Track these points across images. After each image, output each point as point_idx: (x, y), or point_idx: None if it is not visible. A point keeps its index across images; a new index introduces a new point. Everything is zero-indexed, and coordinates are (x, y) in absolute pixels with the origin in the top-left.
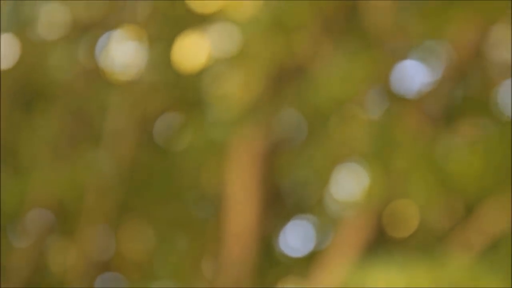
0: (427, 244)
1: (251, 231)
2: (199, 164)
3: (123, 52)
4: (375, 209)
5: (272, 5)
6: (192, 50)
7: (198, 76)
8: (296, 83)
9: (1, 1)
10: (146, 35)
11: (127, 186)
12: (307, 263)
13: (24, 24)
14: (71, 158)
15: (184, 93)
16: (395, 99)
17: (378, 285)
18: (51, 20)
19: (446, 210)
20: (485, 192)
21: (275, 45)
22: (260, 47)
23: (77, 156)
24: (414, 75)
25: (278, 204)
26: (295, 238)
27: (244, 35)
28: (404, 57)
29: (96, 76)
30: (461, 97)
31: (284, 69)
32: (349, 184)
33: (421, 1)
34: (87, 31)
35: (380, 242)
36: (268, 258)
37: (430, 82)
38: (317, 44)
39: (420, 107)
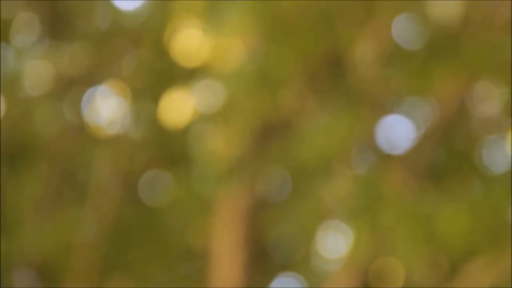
0: None
1: None
2: (184, 220)
3: (108, 107)
4: (361, 266)
5: (256, 60)
6: (177, 105)
7: (183, 132)
8: (281, 138)
9: None
10: (131, 90)
11: (111, 244)
12: None
13: (9, 80)
14: (55, 215)
15: (169, 148)
16: (380, 155)
17: None
18: (36, 75)
19: (432, 267)
20: (471, 250)
21: (260, 101)
22: (245, 103)
23: (61, 213)
24: (399, 130)
25: (264, 261)
26: None
27: (229, 90)
28: (389, 112)
29: (81, 132)
30: (446, 153)
31: (269, 125)
32: (335, 241)
33: (405, 57)
34: (72, 86)
35: None
36: None
37: (415, 137)
38: (302, 99)
39: (406, 163)
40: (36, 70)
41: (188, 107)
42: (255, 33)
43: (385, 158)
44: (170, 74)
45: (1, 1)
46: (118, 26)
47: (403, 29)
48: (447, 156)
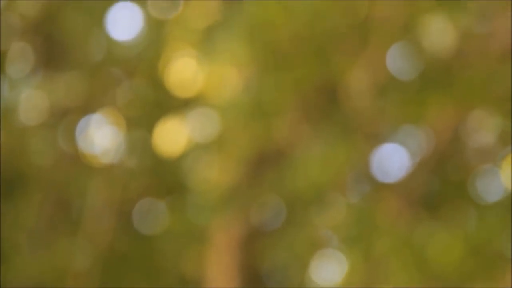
0: None
1: None
2: (178, 248)
3: (103, 136)
4: None
5: (251, 89)
6: (172, 134)
7: (177, 161)
8: (276, 167)
9: None
10: (126, 119)
11: (106, 272)
12: None
13: (5, 110)
14: (50, 243)
15: (164, 177)
16: (374, 184)
17: None
18: (31, 105)
19: None
20: (465, 278)
21: (255, 130)
22: (239, 132)
23: (56, 241)
24: (393, 159)
25: None
26: None
27: (224, 120)
28: (383, 141)
29: (76, 161)
30: (440, 182)
31: (263, 154)
32: (329, 269)
33: (399, 87)
34: (67, 115)
35: None
36: None
37: (410, 166)
38: (296, 128)
39: (400, 191)
40: (31, 100)
41: (182, 136)
42: (250, 63)
43: (379, 187)
44: (164, 103)
45: None
46: (113, 56)
47: (397, 59)
48: (441, 185)
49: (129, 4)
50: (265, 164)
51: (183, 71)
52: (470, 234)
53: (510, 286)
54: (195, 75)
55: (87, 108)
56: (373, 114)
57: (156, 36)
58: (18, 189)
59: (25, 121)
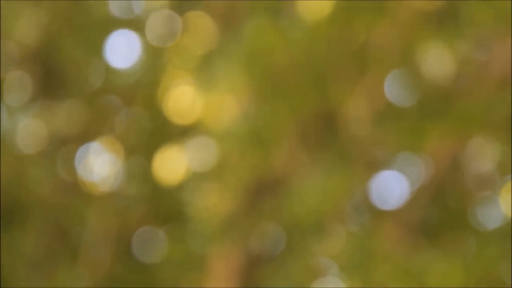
0: None
1: None
2: (178, 277)
3: (101, 164)
4: None
5: (249, 117)
6: (171, 162)
7: (176, 189)
8: (275, 195)
9: None
10: (125, 147)
11: None
12: None
13: (3, 138)
14: (49, 271)
15: (163, 205)
16: (373, 211)
17: None
18: (30, 134)
19: None
20: None
21: (253, 158)
22: (238, 160)
23: (55, 270)
24: (392, 186)
25: None
26: None
27: (222, 148)
28: (382, 168)
29: (75, 189)
30: (440, 209)
31: (262, 182)
32: None
33: (398, 114)
34: (66, 144)
35: None
36: None
37: (409, 193)
38: (294, 156)
39: (399, 219)
40: (30, 129)
41: (181, 164)
42: (248, 91)
43: (378, 215)
44: (163, 131)
45: None
46: (111, 83)
47: (395, 87)
48: (441, 212)
49: (127, 32)
50: (264, 192)
51: (182, 99)
52: (469, 261)
53: None
54: (193, 103)
55: (85, 136)
56: (371, 141)
57: (154, 64)
58: (16, 217)
59: (24, 149)
